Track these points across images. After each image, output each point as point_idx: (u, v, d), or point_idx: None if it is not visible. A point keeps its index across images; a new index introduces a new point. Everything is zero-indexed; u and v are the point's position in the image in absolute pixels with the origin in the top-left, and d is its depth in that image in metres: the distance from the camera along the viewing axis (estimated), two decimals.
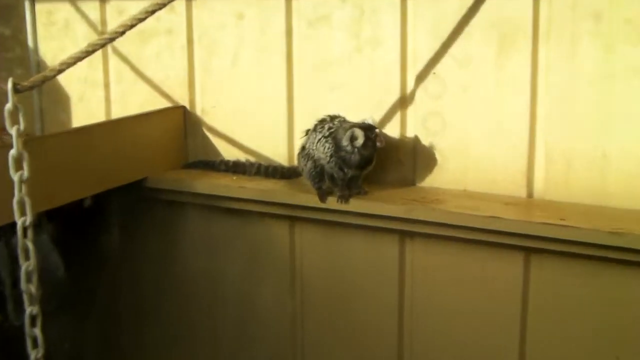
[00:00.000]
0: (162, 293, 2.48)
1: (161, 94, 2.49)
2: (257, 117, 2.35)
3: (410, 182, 2.15)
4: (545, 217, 1.84)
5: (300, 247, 2.25)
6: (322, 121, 2.10)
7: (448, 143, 2.09)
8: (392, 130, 2.16)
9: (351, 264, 2.17)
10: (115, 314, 2.54)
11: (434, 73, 2.07)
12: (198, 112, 2.46)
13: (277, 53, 2.29)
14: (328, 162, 2.03)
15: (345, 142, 1.99)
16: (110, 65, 2.57)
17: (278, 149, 2.33)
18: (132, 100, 2.53)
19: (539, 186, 2.01)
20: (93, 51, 1.79)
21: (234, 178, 2.28)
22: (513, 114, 2.00)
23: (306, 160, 2.11)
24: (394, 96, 2.15)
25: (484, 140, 2.05)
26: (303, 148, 2.12)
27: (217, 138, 2.44)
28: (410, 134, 2.13)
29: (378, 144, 2.00)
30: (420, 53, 2.09)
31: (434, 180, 2.11)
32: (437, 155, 2.10)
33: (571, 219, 1.83)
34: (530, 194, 2.03)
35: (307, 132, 2.13)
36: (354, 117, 2.11)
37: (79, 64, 1.80)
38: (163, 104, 2.47)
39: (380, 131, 2.01)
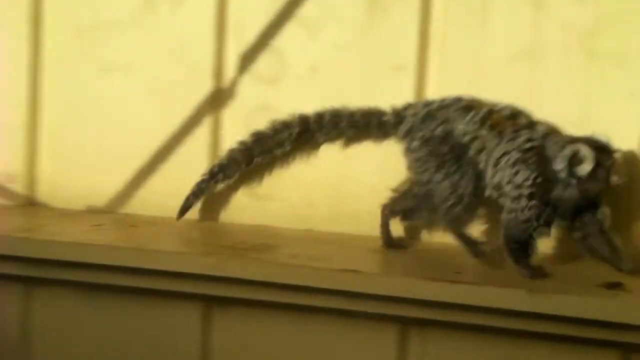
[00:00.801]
0: None
1: None
2: None
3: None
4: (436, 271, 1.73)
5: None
6: (503, 116, 1.72)
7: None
8: (201, 136, 2.00)
9: None
10: None
11: (269, 45, 1.97)
12: None
13: (16, 9, 2.09)
14: (517, 203, 1.70)
15: (560, 165, 1.69)
16: None
17: (9, 165, 2.06)
18: None
19: None
20: None
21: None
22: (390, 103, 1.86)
23: (453, 171, 1.73)
24: (203, 83, 2.01)
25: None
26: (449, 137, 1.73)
27: None
28: (229, 141, 1.97)
29: (615, 177, 1.71)
30: (247, 12, 1.99)
31: (264, 215, 1.96)
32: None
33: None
34: None
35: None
36: (142, 120, 1.96)
37: None
38: None
39: (620, 159, 1.75)
